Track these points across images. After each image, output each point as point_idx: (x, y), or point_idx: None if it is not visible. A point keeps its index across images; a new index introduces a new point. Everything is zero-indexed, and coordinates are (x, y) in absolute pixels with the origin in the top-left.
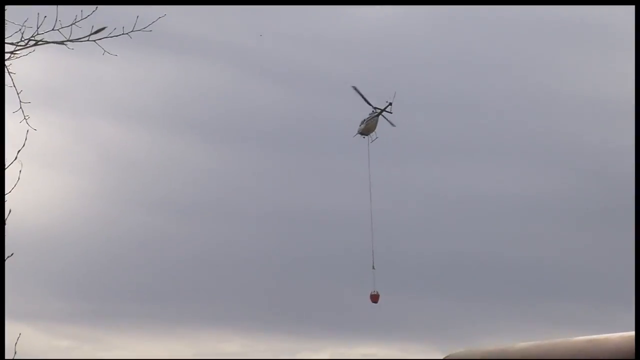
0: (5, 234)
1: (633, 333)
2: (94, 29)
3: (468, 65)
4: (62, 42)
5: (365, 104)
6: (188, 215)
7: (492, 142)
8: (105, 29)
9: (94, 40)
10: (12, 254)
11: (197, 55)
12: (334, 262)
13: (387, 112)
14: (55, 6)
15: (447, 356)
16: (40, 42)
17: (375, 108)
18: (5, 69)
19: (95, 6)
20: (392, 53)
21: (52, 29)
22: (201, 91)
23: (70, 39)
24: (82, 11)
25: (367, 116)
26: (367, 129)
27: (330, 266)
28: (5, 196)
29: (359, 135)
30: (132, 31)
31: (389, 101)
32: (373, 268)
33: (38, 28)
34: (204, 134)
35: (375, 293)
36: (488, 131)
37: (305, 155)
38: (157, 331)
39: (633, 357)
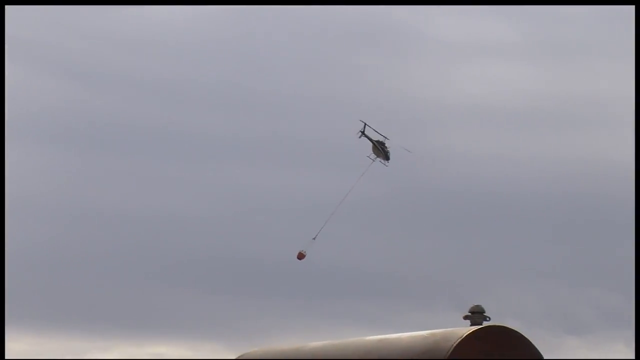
0: None
1: (424, 332)
2: None
3: (282, 67)
4: None
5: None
6: None
7: (290, 145)
8: None
9: None
10: None
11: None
12: (138, 262)
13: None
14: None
15: (241, 356)
16: None
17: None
18: None
19: None
20: (194, 53)
21: None
22: (9, 90)
23: None
24: None
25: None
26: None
27: (133, 266)
28: None
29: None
30: None
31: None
32: (313, 239)
33: None
34: (13, 134)
35: (304, 253)
36: (289, 133)
37: (117, 156)
38: None
39: (423, 356)
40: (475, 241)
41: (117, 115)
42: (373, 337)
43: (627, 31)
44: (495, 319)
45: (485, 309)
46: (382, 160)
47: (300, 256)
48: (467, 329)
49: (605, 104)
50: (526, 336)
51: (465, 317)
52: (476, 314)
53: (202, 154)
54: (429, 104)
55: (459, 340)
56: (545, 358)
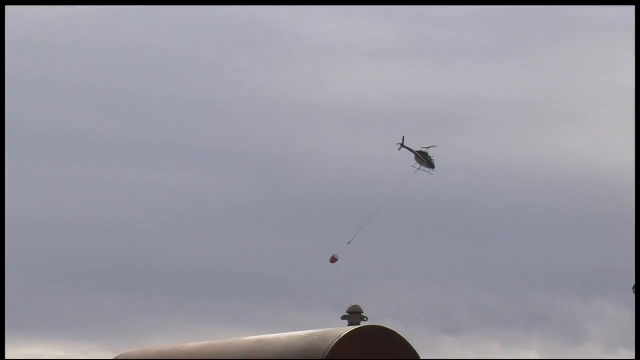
0: None
1: (302, 332)
2: None
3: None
4: None
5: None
6: None
7: (165, 147)
8: None
9: None
10: None
11: None
12: (9, 262)
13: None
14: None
15: (117, 357)
16: None
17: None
18: None
19: None
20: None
21: None
22: None
23: None
24: None
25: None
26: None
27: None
28: None
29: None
30: None
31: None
32: (348, 243)
33: None
34: None
35: (336, 257)
36: (166, 135)
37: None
38: None
39: (301, 356)
40: (352, 242)
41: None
42: (251, 337)
43: (504, 32)
44: (372, 319)
45: (363, 309)
46: (426, 169)
47: (333, 260)
48: (344, 328)
49: (481, 105)
50: (403, 336)
51: (343, 317)
52: (354, 314)
53: (75, 154)
54: (301, 105)
55: (337, 340)
56: (421, 357)
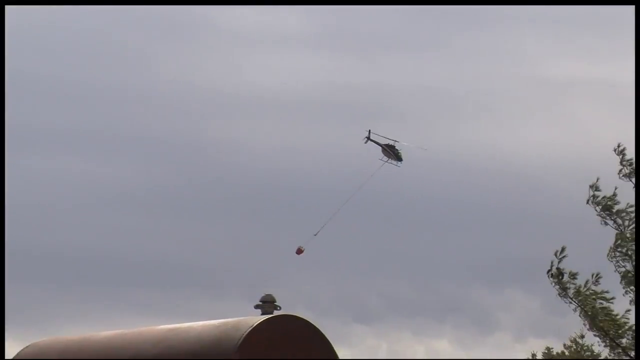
0: None
1: (216, 322)
2: None
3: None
4: None
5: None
6: None
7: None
8: None
9: None
10: None
11: None
12: None
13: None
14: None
15: (27, 346)
16: None
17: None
18: None
19: None
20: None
21: None
22: None
23: None
24: None
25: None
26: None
27: None
28: None
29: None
30: None
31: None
32: (315, 235)
33: None
34: None
35: (302, 248)
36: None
37: None
38: None
39: (213, 346)
40: (267, 231)
41: None
42: (164, 326)
43: (422, 25)
44: (286, 309)
45: (277, 299)
46: (394, 162)
47: (299, 251)
48: (257, 318)
49: (395, 95)
50: (316, 325)
51: (257, 307)
52: (267, 304)
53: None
54: (219, 95)
55: (250, 329)
56: (334, 345)
